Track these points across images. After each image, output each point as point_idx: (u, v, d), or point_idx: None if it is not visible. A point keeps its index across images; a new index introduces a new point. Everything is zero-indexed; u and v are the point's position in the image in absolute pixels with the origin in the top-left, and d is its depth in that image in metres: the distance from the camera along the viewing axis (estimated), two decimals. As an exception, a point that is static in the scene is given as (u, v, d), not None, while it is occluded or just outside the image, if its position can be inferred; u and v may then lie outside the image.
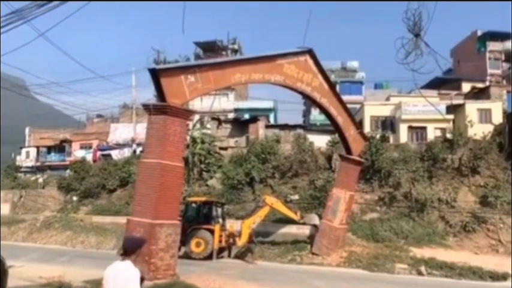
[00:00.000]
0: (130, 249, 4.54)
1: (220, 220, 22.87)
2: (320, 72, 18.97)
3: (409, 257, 20.59)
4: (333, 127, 22.08)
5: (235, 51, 55.48)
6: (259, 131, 37.28)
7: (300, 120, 51.77)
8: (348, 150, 21.54)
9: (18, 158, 52.97)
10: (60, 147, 51.86)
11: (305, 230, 23.63)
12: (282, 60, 17.23)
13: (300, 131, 37.10)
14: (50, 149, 52.57)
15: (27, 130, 60.84)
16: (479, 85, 44.03)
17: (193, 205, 22.88)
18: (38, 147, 53.17)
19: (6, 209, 36.61)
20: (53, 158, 51.39)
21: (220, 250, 22.05)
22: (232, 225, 23.10)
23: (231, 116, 45.34)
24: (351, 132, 21.22)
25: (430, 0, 10.21)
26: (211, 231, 21.18)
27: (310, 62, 18.41)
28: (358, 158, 21.80)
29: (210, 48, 54.17)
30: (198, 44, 55.08)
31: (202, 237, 21.08)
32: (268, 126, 39.19)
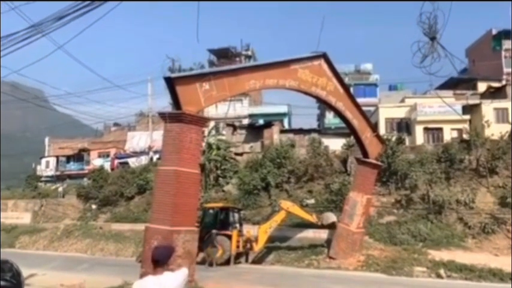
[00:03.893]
0: (163, 259, 4.37)
1: (238, 225, 23.03)
2: (335, 75, 18.92)
3: (428, 259, 20.43)
4: (349, 130, 22.02)
5: (248, 57, 55.76)
6: (274, 136, 37.40)
7: (314, 124, 51.65)
8: (365, 154, 21.41)
9: (38, 167, 53.91)
10: (79, 156, 52.63)
11: (322, 234, 23.60)
12: (296, 65, 17.25)
13: (314, 135, 37.09)
14: (69, 158, 53.37)
15: (46, 140, 61.89)
16: (495, 84, 43.45)
17: (211, 211, 23.09)
18: (57, 157, 53.99)
19: (27, 218, 37.37)
20: (72, 167, 52.16)
21: (238, 255, 22.18)
22: (249, 230, 23.22)
23: (245, 121, 45.56)
24: (367, 135, 21.12)
25: (444, 0, 10.22)
26: (229, 237, 21.33)
27: (325, 66, 18.38)
28: (375, 161, 21.66)
29: (223, 55, 54.58)
30: (212, 51, 55.53)
31: (220, 242, 21.24)
32: (282, 131, 39.29)
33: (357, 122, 20.36)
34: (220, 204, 24.57)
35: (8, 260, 2.43)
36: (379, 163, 22.62)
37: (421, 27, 10.85)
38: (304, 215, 22.69)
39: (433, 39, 10.90)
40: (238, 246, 21.66)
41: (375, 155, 21.74)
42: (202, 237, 19.86)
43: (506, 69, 50.28)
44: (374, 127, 22.95)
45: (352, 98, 20.28)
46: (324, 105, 26.05)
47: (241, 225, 23.43)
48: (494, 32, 52.80)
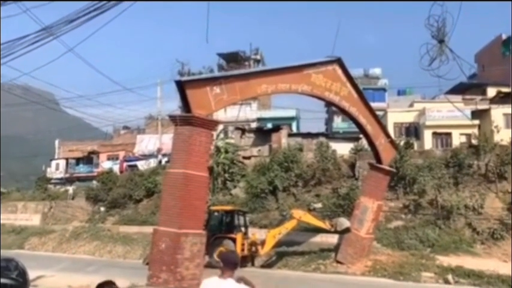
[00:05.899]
0: (229, 263, 4.38)
1: (243, 229, 23.04)
2: (349, 80, 18.75)
3: (436, 265, 20.33)
4: (363, 136, 21.88)
5: (257, 61, 55.88)
6: (282, 139, 37.42)
7: (322, 128, 51.66)
8: (378, 159, 21.19)
9: (48, 170, 54.39)
10: (88, 159, 53.01)
11: (329, 239, 23.51)
12: (310, 70, 17.08)
13: (322, 139, 37.05)
14: (78, 161, 53.75)
15: (56, 143, 62.43)
16: (505, 90, 43.14)
17: (216, 214, 23.10)
18: (67, 159, 54.41)
19: (37, 220, 37.69)
20: (82, 170, 52.48)
21: (243, 259, 22.13)
22: (254, 233, 23.19)
23: (254, 125, 45.66)
24: (381, 141, 20.88)
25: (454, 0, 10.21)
26: (234, 240, 21.35)
27: (339, 71, 18.22)
28: (388, 168, 21.42)
29: (233, 59, 54.75)
30: (221, 55, 55.76)
31: (225, 246, 21.24)
32: (290, 135, 39.30)
33: (370, 127, 20.16)
34: (225, 207, 24.59)
35: (14, 259, 2.51)
36: (392, 169, 22.37)
37: (429, 30, 10.84)
38: (317, 223, 22.27)
39: (441, 42, 10.89)
40: (243, 250, 21.60)
41: (388, 161, 21.47)
42: (208, 240, 19.84)
43: (516, 75, 49.84)
44: (388, 133, 22.72)
45: (366, 103, 20.05)
46: (337, 110, 25.90)
47: (246, 228, 23.43)
48: (504, 37, 52.49)
